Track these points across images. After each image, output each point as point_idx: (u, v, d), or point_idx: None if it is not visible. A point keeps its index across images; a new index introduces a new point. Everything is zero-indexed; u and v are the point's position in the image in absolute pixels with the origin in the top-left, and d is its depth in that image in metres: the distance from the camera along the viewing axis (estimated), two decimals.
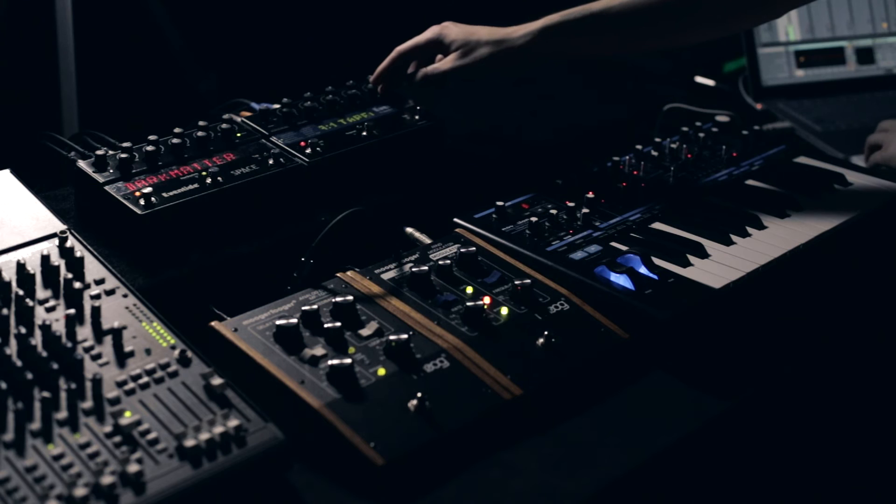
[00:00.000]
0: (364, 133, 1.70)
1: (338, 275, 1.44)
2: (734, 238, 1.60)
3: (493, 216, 1.60)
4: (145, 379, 1.21)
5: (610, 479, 1.21)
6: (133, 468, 1.10)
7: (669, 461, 1.27)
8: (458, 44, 1.76)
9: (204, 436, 1.15)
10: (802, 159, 1.88)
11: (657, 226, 1.63)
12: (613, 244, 1.56)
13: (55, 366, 1.18)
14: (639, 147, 1.82)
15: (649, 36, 1.75)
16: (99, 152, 1.54)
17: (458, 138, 1.87)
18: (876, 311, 1.57)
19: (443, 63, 1.78)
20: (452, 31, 1.77)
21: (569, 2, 1.75)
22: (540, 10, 1.75)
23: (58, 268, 1.32)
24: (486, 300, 1.41)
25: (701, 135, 1.89)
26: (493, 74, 1.79)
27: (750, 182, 1.79)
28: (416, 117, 1.77)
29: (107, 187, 1.49)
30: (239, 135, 1.64)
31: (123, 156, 1.53)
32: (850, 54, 2.33)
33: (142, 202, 1.46)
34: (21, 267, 1.31)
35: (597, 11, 1.71)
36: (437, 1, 1.88)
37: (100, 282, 1.33)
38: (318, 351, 1.28)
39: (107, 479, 1.08)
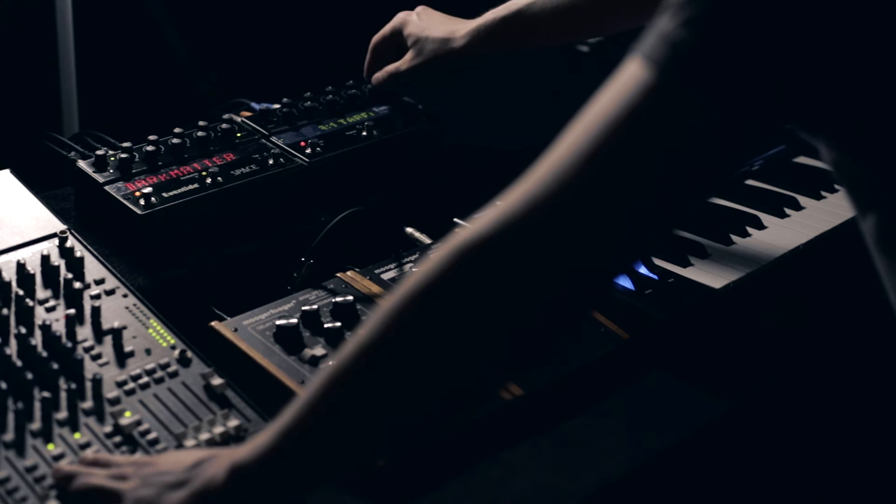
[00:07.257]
0: (364, 133, 1.70)
1: (338, 275, 1.44)
2: (734, 238, 1.60)
3: None
4: (145, 379, 1.21)
5: (610, 479, 1.21)
6: None
7: (669, 461, 1.27)
8: (412, 40, 1.73)
9: (204, 436, 1.15)
10: (802, 159, 1.88)
11: None
12: None
13: (55, 366, 1.18)
14: None
15: (575, 29, 1.70)
16: (99, 152, 1.53)
17: (458, 138, 1.86)
18: (876, 310, 1.57)
19: (401, 63, 1.75)
20: (412, 23, 1.74)
21: None
22: None
23: (58, 268, 1.32)
24: None
25: None
26: (442, 74, 1.74)
27: (750, 182, 1.78)
28: (417, 117, 1.77)
29: (107, 187, 1.49)
30: (239, 135, 1.64)
31: (123, 156, 1.53)
32: None
33: (142, 202, 1.46)
34: (21, 267, 1.31)
35: (522, 7, 1.66)
36: (436, 1, 1.88)
37: (100, 282, 1.33)
38: (318, 351, 1.28)
39: None
